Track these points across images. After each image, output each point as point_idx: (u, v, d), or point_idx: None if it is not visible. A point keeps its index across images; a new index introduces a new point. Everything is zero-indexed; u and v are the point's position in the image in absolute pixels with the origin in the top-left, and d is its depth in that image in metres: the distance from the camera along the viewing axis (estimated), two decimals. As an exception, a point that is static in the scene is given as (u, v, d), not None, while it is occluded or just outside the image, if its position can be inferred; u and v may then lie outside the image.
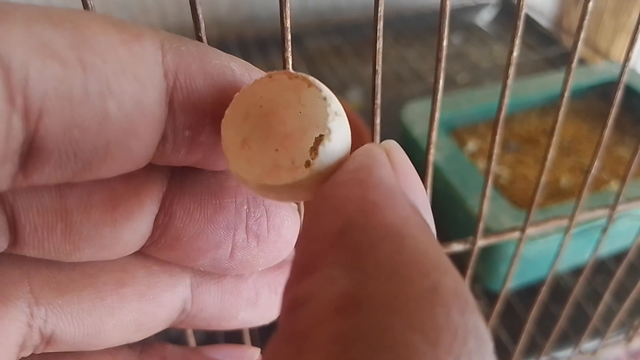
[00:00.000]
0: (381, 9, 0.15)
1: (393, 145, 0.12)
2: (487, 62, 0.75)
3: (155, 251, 0.14)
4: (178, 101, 0.12)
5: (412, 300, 0.09)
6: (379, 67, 0.17)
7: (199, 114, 0.12)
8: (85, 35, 0.10)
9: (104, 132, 0.11)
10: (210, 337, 0.39)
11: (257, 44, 0.77)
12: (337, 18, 0.81)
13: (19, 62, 0.10)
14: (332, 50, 0.78)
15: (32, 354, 0.13)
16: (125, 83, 0.11)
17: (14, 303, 0.13)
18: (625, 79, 0.23)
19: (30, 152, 0.10)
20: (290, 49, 0.15)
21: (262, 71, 0.13)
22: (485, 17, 0.85)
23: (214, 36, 0.77)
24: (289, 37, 0.15)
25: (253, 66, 0.13)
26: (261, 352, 0.18)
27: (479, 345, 0.09)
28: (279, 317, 0.11)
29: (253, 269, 0.15)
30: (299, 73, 0.12)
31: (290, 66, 0.16)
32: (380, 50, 0.16)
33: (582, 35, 0.20)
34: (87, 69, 0.10)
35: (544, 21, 0.82)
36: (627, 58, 0.22)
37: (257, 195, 0.13)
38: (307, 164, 0.13)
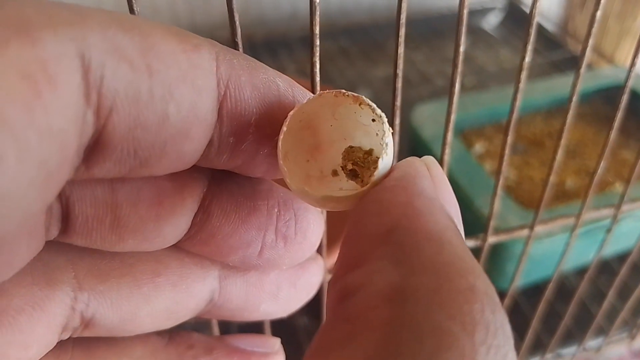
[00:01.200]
0: (403, 16, 0.16)
1: (432, 160, 0.14)
2: (494, 66, 0.76)
3: (191, 245, 0.15)
4: (227, 109, 0.13)
5: (452, 295, 0.10)
6: (399, 71, 0.18)
7: (243, 123, 0.13)
8: (151, 43, 0.11)
9: (162, 133, 0.12)
10: (226, 327, 0.40)
11: (266, 45, 0.77)
12: (344, 21, 0.82)
13: (97, 63, 0.10)
14: (340, 53, 0.78)
15: (69, 338, 0.14)
16: (185, 89, 0.12)
17: (60, 287, 0.14)
18: (630, 83, 0.24)
19: (96, 147, 0.11)
20: (318, 54, 0.16)
21: (304, 88, 0.14)
22: (491, 21, 0.86)
23: (224, 38, 0.78)
24: (317, 42, 0.16)
25: (296, 83, 0.14)
26: (281, 343, 0.19)
27: (505, 340, 0.10)
28: (327, 305, 0.12)
29: (278, 267, 0.17)
30: (350, 92, 0.13)
31: (317, 70, 0.17)
32: (402, 55, 0.17)
33: (590, 42, 0.21)
34: (153, 74, 0.11)
35: (549, 25, 0.82)
36: (632, 63, 0.23)
37: (319, 206, 0.14)
38: (334, 172, 0.14)
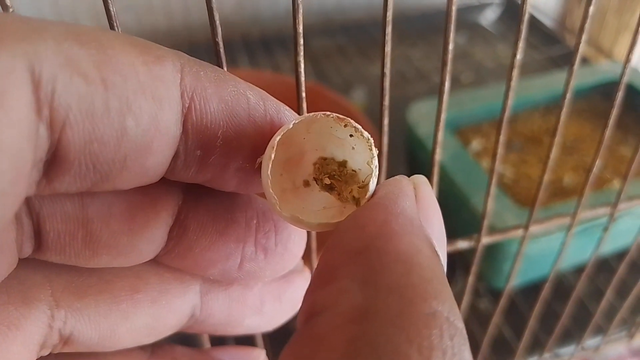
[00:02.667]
0: (389, 14, 0.16)
1: (422, 180, 0.14)
2: (491, 62, 0.75)
3: (169, 260, 0.15)
4: (192, 122, 0.12)
5: (412, 319, 0.10)
6: (387, 70, 0.17)
7: (210, 136, 0.13)
8: (109, 55, 0.11)
9: (121, 147, 0.11)
10: (221, 338, 0.40)
11: (262, 43, 0.77)
12: (341, 18, 0.81)
13: (48, 77, 0.10)
14: (337, 50, 0.78)
15: (50, 354, 0.14)
16: (144, 102, 0.11)
17: (36, 305, 0.13)
18: (627, 79, 0.23)
19: (53, 161, 0.11)
20: (302, 54, 0.16)
21: (278, 100, 0.14)
22: (489, 17, 0.85)
23: (222, 35, 0.77)
24: (302, 42, 0.16)
25: (270, 96, 0.14)
26: (272, 353, 0.19)
27: None
28: (297, 320, 0.12)
29: (260, 279, 0.16)
30: (335, 115, 0.13)
31: (302, 70, 0.16)
32: (389, 53, 0.17)
33: (584, 37, 0.21)
34: (108, 87, 0.11)
35: (547, 21, 0.82)
36: (627, 58, 0.23)
37: (317, 230, 0.14)
38: (306, 183, 0.14)
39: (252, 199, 0.16)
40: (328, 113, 0.13)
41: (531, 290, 0.44)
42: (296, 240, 0.16)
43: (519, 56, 0.19)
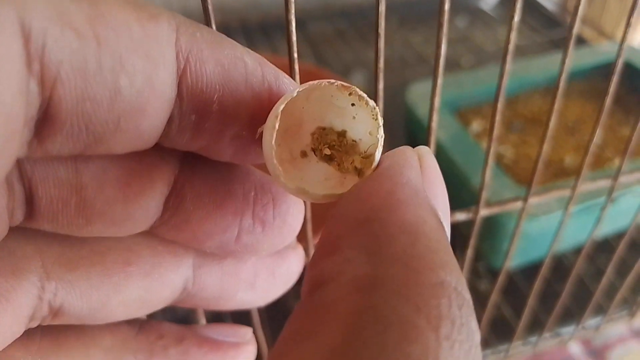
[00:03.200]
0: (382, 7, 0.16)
1: (425, 151, 0.14)
2: (492, 46, 0.75)
3: (164, 232, 0.15)
4: (187, 84, 0.12)
5: (420, 289, 0.10)
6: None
7: (206, 100, 0.12)
8: (102, 10, 0.10)
9: (115, 107, 0.11)
10: (217, 315, 0.40)
11: (261, 28, 0.77)
12: (340, 2, 0.81)
13: (38, 29, 0.10)
14: (336, 34, 0.77)
15: (38, 325, 0.14)
16: (138, 61, 0.11)
17: (26, 276, 0.13)
18: (629, 59, 0.23)
19: (45, 120, 0.11)
20: (294, 37, 0.15)
21: (275, 67, 0.14)
22: (490, 1, 0.84)
23: (217, 22, 0.77)
24: (294, 22, 0.15)
25: (268, 62, 0.13)
26: (269, 328, 0.19)
27: (469, 335, 0.10)
28: (302, 290, 0.12)
29: (257, 253, 0.16)
30: (340, 82, 0.13)
31: (295, 54, 0.16)
32: (382, 35, 0.16)
33: (579, 13, 0.20)
34: (101, 43, 0.10)
35: (548, 3, 0.81)
36: (624, 38, 0.22)
37: (322, 201, 0.14)
38: (303, 154, 0.14)
39: (249, 171, 0.15)
40: (332, 81, 0.13)
41: (531, 270, 0.44)
42: (294, 213, 0.16)
43: (511, 47, 0.18)
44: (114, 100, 0.11)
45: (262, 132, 0.13)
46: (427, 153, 0.14)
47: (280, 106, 0.12)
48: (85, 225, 0.13)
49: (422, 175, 0.13)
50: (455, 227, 0.28)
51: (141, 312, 0.16)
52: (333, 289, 0.10)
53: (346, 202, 0.12)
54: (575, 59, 0.21)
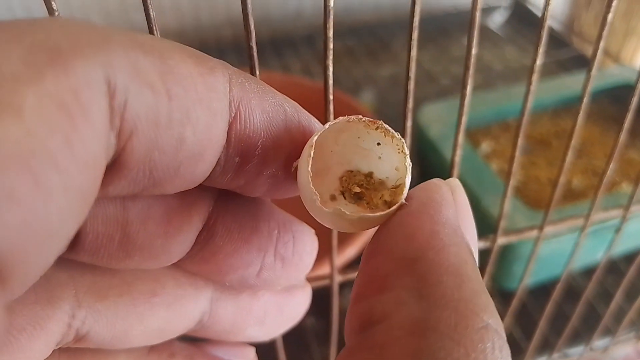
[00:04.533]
0: (417, 19, 0.16)
1: (456, 184, 0.14)
2: (499, 65, 0.76)
3: (191, 263, 0.15)
4: (235, 131, 0.13)
5: (468, 333, 0.11)
6: (412, 74, 0.18)
7: (251, 145, 0.13)
8: (170, 66, 0.11)
9: (178, 155, 0.12)
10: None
11: (271, 44, 0.78)
12: (349, 19, 0.82)
13: (122, 87, 0.10)
14: (346, 51, 0.78)
15: (59, 348, 0.14)
16: (201, 112, 0.12)
17: (60, 305, 0.14)
18: (633, 81, 0.24)
19: (113, 167, 0.11)
20: (331, 57, 0.16)
21: (309, 113, 0.15)
22: (497, 20, 0.85)
23: (229, 37, 0.78)
24: (331, 46, 0.16)
25: (302, 108, 0.14)
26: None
27: None
28: (348, 324, 0.12)
29: (274, 287, 0.17)
30: (366, 118, 0.14)
31: (330, 72, 0.17)
32: (414, 58, 0.17)
33: (602, 44, 0.21)
34: (172, 98, 0.11)
35: (555, 24, 0.82)
36: None
37: (356, 228, 0.14)
38: (332, 197, 0.15)
39: (274, 210, 0.16)
40: (360, 117, 0.14)
41: (540, 290, 0.45)
42: (310, 251, 0.17)
43: (538, 61, 0.19)
44: (178, 149, 0.12)
45: (296, 166, 0.14)
46: (458, 187, 0.14)
47: (314, 138, 0.13)
48: (124, 259, 0.14)
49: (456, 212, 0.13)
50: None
51: (158, 341, 0.16)
52: (386, 330, 0.11)
53: (389, 236, 0.13)
54: (581, 81, 0.22)
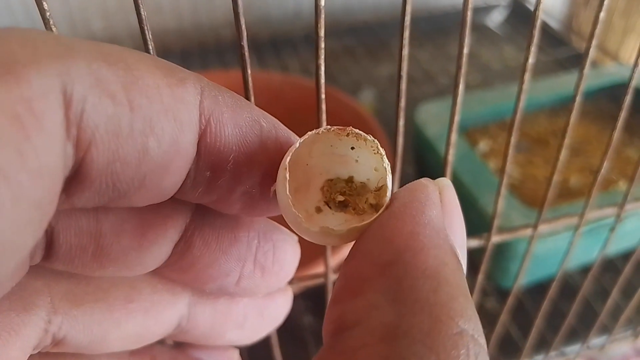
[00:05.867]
0: (408, 19, 0.17)
1: (445, 183, 0.14)
2: (498, 63, 0.76)
3: (169, 272, 0.15)
4: (205, 144, 0.13)
5: (441, 339, 0.10)
6: (404, 73, 0.18)
7: (222, 159, 0.13)
8: (135, 76, 0.11)
9: (142, 166, 0.12)
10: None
11: (270, 44, 0.78)
12: (349, 19, 0.82)
13: (79, 97, 0.10)
14: (345, 51, 0.79)
15: (38, 352, 0.15)
16: (166, 124, 0.12)
17: (35, 311, 0.14)
18: (635, 81, 0.24)
19: (75, 178, 0.11)
20: (323, 57, 0.17)
21: (287, 129, 0.14)
22: (495, 19, 0.86)
23: (228, 37, 0.78)
24: (322, 45, 0.16)
25: (281, 124, 0.14)
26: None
27: None
28: (324, 328, 0.12)
29: (254, 295, 0.17)
30: (336, 127, 0.13)
31: (322, 72, 0.17)
32: (406, 57, 0.17)
33: (594, 42, 0.21)
34: (134, 108, 0.11)
35: (553, 22, 0.83)
36: (637, 62, 0.23)
37: (347, 240, 0.14)
38: (318, 209, 0.14)
39: (253, 220, 0.16)
40: (329, 127, 0.13)
41: (537, 289, 0.45)
42: (291, 259, 0.17)
43: (531, 60, 0.19)
44: (141, 160, 0.11)
45: (274, 190, 0.14)
46: (447, 186, 0.14)
47: (287, 158, 0.13)
48: (98, 269, 0.14)
49: (442, 210, 0.13)
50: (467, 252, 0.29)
51: (137, 345, 0.16)
52: (359, 335, 0.11)
53: (368, 240, 0.12)
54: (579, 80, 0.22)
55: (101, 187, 0.11)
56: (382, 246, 0.12)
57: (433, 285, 0.11)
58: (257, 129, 0.13)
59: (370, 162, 0.14)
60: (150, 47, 0.16)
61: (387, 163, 0.13)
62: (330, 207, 0.14)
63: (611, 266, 0.48)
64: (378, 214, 0.13)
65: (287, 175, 0.13)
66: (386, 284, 0.11)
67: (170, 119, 0.12)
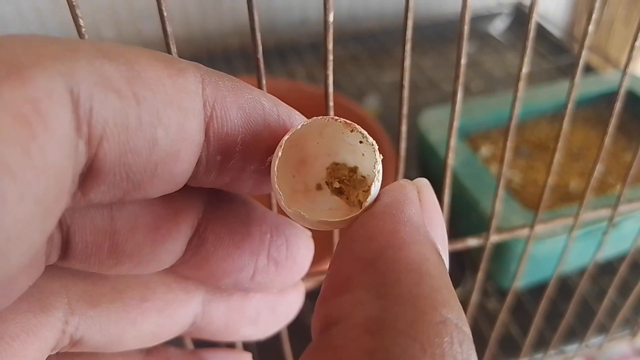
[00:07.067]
0: (409, 33, 0.18)
1: (424, 183, 0.14)
2: (500, 71, 0.77)
3: (184, 269, 0.16)
4: (213, 129, 0.13)
5: (425, 328, 0.11)
6: (406, 82, 0.19)
7: (230, 142, 0.13)
8: (137, 70, 0.12)
9: (152, 156, 0.12)
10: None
11: (276, 51, 0.79)
12: (353, 27, 0.83)
13: (85, 95, 0.11)
14: (350, 58, 0.80)
15: (56, 353, 0.15)
16: (172, 113, 0.12)
17: (53, 313, 0.14)
18: (629, 87, 0.25)
19: (89, 173, 0.12)
20: (331, 68, 0.18)
21: (289, 106, 0.15)
22: (498, 26, 0.87)
23: (235, 45, 0.80)
24: (331, 57, 0.18)
25: (281, 102, 0.15)
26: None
27: None
28: (312, 328, 0.13)
29: (269, 290, 0.17)
30: (342, 119, 0.14)
31: (330, 82, 0.18)
32: (408, 67, 0.19)
33: (584, 53, 0.23)
34: (140, 101, 0.11)
35: (555, 30, 0.84)
36: (626, 66, 0.25)
37: (312, 227, 0.14)
38: (319, 186, 0.15)
39: (266, 213, 0.17)
40: (336, 118, 0.14)
41: (538, 290, 0.46)
42: (305, 253, 0.17)
43: (524, 70, 0.21)
44: (152, 150, 0.12)
45: (270, 161, 0.14)
46: (425, 186, 0.14)
47: (285, 137, 0.13)
48: (115, 266, 0.14)
49: (421, 209, 0.14)
50: (466, 251, 0.30)
51: (152, 343, 0.17)
52: (344, 330, 0.11)
53: (351, 239, 0.13)
54: (580, 87, 0.23)
55: (115, 179, 0.12)
56: (365, 244, 0.12)
57: (415, 279, 0.11)
58: (260, 108, 0.14)
59: (372, 160, 0.14)
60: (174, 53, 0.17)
61: (378, 169, 0.14)
62: (329, 188, 0.15)
63: (610, 269, 0.49)
64: (351, 216, 0.14)
65: (280, 153, 0.13)
66: (370, 280, 0.12)
67: (175, 108, 0.12)
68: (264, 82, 0.18)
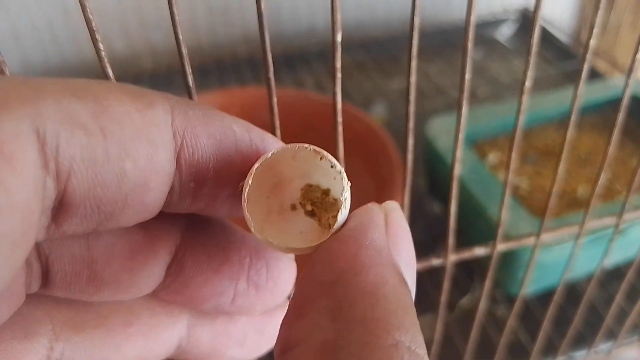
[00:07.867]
0: (415, 50, 0.19)
1: (392, 207, 0.15)
2: (507, 77, 0.78)
3: (165, 294, 0.16)
4: (184, 157, 0.13)
5: (376, 352, 0.11)
6: (412, 97, 0.20)
7: (202, 169, 0.14)
8: (105, 106, 0.12)
9: (122, 188, 0.12)
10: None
11: (284, 60, 0.80)
12: (360, 35, 0.84)
13: (52, 134, 0.11)
14: (356, 66, 0.81)
15: None
16: (140, 145, 0.12)
17: (37, 339, 0.14)
18: (636, 92, 0.26)
19: (61, 207, 0.12)
20: (339, 85, 0.18)
21: (262, 130, 0.15)
22: (505, 32, 0.87)
23: (244, 54, 0.80)
24: (339, 75, 0.18)
25: (254, 126, 0.15)
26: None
27: None
28: (274, 351, 0.13)
29: (251, 313, 0.18)
30: (312, 146, 0.14)
31: (339, 98, 0.19)
32: (414, 84, 0.19)
33: (588, 57, 0.23)
34: (107, 135, 0.12)
35: (562, 36, 0.84)
36: (630, 71, 0.25)
37: (287, 253, 0.15)
38: (293, 207, 0.15)
39: (245, 238, 0.17)
40: (306, 145, 0.14)
41: (546, 296, 0.46)
42: (286, 276, 0.17)
43: (528, 84, 0.21)
44: (121, 182, 0.12)
45: (242, 187, 0.14)
46: (393, 209, 0.15)
47: (255, 165, 0.14)
48: (95, 293, 0.15)
49: (387, 231, 0.14)
50: (475, 259, 0.30)
51: None
52: (299, 354, 0.11)
53: (314, 264, 0.13)
54: (587, 92, 0.24)
55: (86, 211, 0.12)
56: (326, 268, 0.13)
57: (371, 302, 0.12)
58: (231, 135, 0.14)
59: (341, 186, 0.15)
60: (187, 64, 0.18)
61: (345, 197, 0.14)
62: (303, 209, 0.15)
63: (618, 274, 0.49)
64: (317, 243, 0.14)
65: (250, 181, 0.14)
66: (327, 304, 0.12)
67: (143, 140, 0.12)
68: (274, 99, 0.19)
